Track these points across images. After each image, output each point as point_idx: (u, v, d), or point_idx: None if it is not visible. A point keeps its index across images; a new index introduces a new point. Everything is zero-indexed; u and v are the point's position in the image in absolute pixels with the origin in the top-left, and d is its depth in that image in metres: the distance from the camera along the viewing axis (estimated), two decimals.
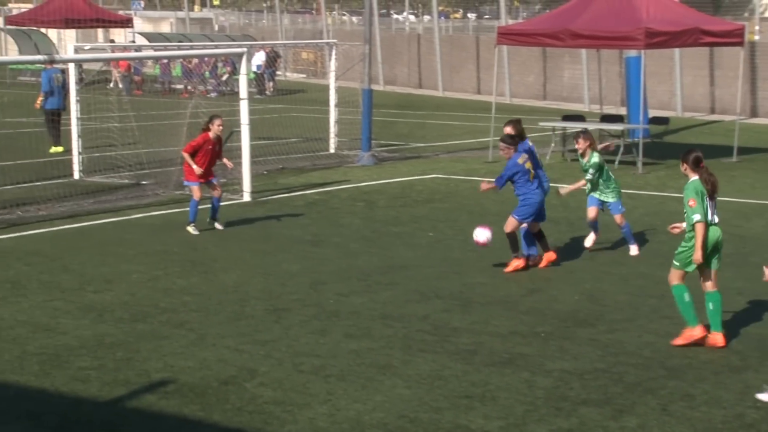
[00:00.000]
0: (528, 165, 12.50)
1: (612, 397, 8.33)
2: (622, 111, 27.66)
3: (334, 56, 24.02)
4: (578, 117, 25.24)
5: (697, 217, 9.23)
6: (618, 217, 13.66)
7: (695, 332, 9.48)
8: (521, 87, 39.71)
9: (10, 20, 45.48)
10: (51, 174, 19.63)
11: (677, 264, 9.47)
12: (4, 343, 9.49)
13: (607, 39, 21.40)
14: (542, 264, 12.74)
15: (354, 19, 62.90)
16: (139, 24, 54.89)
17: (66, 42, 44.52)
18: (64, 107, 22.90)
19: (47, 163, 20.79)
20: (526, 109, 35.57)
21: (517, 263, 12.60)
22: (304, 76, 48.13)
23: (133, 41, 46.11)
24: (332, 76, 23.83)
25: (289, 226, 15.36)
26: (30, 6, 54.19)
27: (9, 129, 25.19)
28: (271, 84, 40.71)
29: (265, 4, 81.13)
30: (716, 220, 9.45)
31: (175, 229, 14.93)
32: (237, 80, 18.72)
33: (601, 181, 13.56)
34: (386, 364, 9.05)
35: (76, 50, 21.19)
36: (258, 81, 38.70)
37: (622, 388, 8.53)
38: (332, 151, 23.53)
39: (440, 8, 48.77)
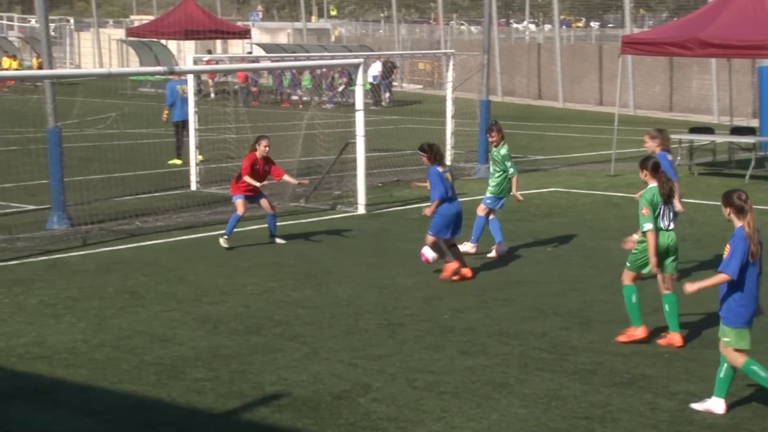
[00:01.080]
0: (448, 175, 12.73)
1: (741, 423, 8.12)
2: (754, 123, 26.95)
3: (451, 66, 24.08)
4: (706, 129, 24.70)
5: (647, 226, 9.82)
6: (481, 207, 14.21)
7: (637, 332, 10.10)
8: (646, 98, 39.06)
9: (131, 32, 46.95)
10: (169, 185, 20.19)
11: (629, 265, 10.13)
12: (123, 353, 9.80)
13: (739, 48, 20.90)
14: (448, 273, 12.76)
15: (472, 28, 62.89)
16: (257, 35, 56.02)
17: (185, 53, 45.76)
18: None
19: (165, 174, 21.39)
20: (651, 121, 34.96)
21: (453, 266, 12.76)
22: (420, 86, 48.32)
23: (251, 52, 47.07)
24: (449, 86, 23.88)
25: (404, 239, 15.43)
26: (151, 18, 55.86)
27: (129, 140, 26.01)
28: (387, 95, 41.02)
29: (382, 14, 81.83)
30: (671, 225, 10.03)
31: (289, 241, 15.17)
32: (353, 91, 18.93)
33: (493, 170, 14.25)
34: (502, 383, 9.02)
35: (195, 61, 21.77)
36: (374, 92, 39.05)
37: (751, 413, 8.31)
38: (448, 163, 23.55)
39: (562, 17, 48.40)
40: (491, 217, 14.43)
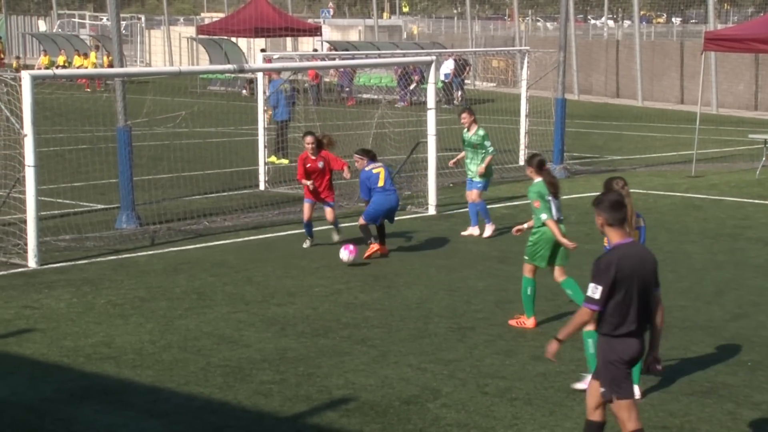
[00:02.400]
0: (378, 170, 14.17)
1: None
2: None
3: (526, 64, 23.93)
4: None
5: (544, 216, 10.65)
6: (475, 193, 15.52)
7: (528, 322, 10.87)
8: (729, 96, 38.41)
9: (201, 30, 47.50)
10: (237, 185, 20.38)
11: (527, 258, 10.83)
12: (190, 354, 9.92)
13: None
14: (369, 252, 14.08)
15: (548, 24, 62.47)
16: (328, 32, 56.28)
17: (256, 51, 46.17)
18: (290, 117, 23.39)
19: (234, 173, 21.59)
20: (734, 120, 34.39)
21: (373, 248, 14.08)
22: (494, 84, 48.10)
23: (316, 50, 47.27)
24: (524, 84, 23.74)
25: (475, 240, 15.38)
26: (222, 15, 56.47)
27: (198, 139, 26.33)
28: (459, 93, 40.91)
29: (455, 11, 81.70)
30: (561, 217, 10.77)
31: (358, 242, 15.21)
32: (424, 89, 18.92)
33: (473, 155, 15.64)
34: (576, 389, 8.93)
35: (265, 59, 21.91)
36: (446, 90, 38.96)
37: None
38: (522, 163, 23.40)
39: (642, 12, 47.82)
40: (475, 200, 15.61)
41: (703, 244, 15.20)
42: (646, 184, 21.02)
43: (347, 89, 41.78)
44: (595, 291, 6.74)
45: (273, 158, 22.76)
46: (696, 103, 26.29)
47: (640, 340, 6.77)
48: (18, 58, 55.56)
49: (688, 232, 15.94)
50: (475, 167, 15.64)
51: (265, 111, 20.93)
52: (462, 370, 9.44)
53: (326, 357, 9.80)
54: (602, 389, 6.79)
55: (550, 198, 10.77)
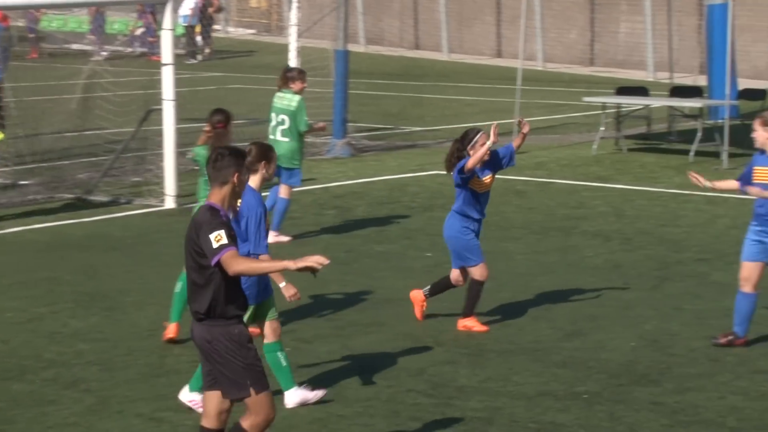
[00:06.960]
0: None
1: None
2: (701, 81, 27.77)
3: (295, 4, 24.03)
4: (639, 89, 25.28)
5: None
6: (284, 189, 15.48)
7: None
8: (558, 48, 39.72)
9: None
10: None
11: None
12: None
13: None
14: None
15: None
16: None
17: None
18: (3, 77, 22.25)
19: None
20: (565, 79, 35.59)
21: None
22: (252, 31, 48.15)
23: None
24: (293, 31, 23.83)
25: None
26: None
27: None
28: (204, 42, 40.69)
29: None
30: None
31: (68, 248, 14.93)
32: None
33: None
34: None
35: None
36: (189, 39, 38.72)
37: None
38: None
39: None
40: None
41: (527, 241, 15.67)
42: None
43: (33, 36, 41.25)
44: None
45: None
46: (517, 56, 27.08)
47: (197, 326, 7.63)
48: None
49: (508, 227, 16.38)
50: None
51: None
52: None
53: (23, 407, 9.61)
54: None
55: None
